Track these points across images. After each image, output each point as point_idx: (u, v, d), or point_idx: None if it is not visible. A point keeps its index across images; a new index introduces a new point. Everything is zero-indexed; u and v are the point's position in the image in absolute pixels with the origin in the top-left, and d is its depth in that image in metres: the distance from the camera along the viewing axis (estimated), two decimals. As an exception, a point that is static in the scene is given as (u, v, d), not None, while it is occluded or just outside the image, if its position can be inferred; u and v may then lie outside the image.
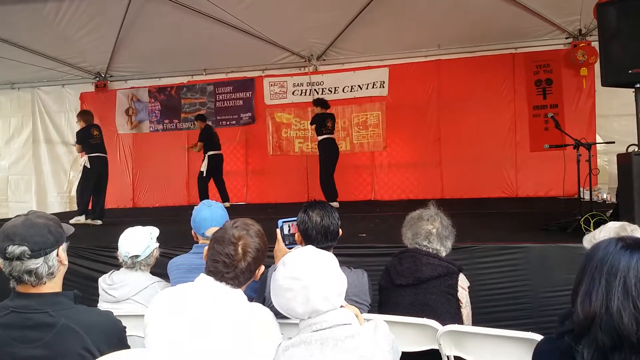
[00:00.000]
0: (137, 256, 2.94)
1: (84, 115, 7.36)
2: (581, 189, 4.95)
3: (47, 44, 8.95)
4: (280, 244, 2.60)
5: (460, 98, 8.81)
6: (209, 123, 9.14)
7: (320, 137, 7.97)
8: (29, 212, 1.92)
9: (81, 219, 7.00)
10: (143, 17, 8.17)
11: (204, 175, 8.49)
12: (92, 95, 10.51)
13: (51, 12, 7.87)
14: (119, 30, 8.48)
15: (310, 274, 1.68)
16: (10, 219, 1.90)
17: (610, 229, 2.19)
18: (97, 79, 10.42)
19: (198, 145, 8.66)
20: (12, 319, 1.77)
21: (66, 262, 1.90)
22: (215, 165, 8.62)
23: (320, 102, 8.11)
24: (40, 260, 1.79)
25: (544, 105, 8.54)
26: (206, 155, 8.53)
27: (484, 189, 8.66)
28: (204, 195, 8.39)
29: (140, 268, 2.98)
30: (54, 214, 2.10)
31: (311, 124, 8.11)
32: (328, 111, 8.06)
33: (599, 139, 7.92)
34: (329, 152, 7.98)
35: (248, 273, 1.89)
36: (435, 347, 2.20)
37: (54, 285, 1.85)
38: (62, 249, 1.89)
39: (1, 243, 1.78)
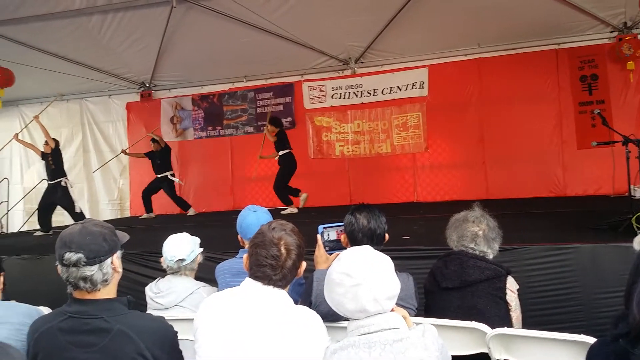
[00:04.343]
0: (182, 260, 2.98)
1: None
2: (632, 186, 4.79)
3: (92, 56, 9.23)
4: (320, 250, 2.61)
5: (502, 96, 8.65)
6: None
7: (282, 152, 8.32)
8: (85, 220, 1.98)
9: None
10: (184, 27, 8.34)
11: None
12: (138, 105, 10.81)
13: (96, 25, 8.13)
14: (161, 40, 8.68)
15: (362, 272, 1.68)
16: (67, 226, 1.97)
17: None
18: (142, 88, 10.69)
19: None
20: (70, 324, 1.84)
21: (120, 270, 1.95)
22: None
23: (277, 122, 8.51)
24: (95, 267, 1.85)
25: (590, 101, 8.29)
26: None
27: (530, 188, 8.45)
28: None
29: (185, 273, 3.02)
30: (108, 221, 2.17)
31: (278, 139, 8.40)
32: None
33: (648, 135, 7.65)
34: (292, 165, 8.37)
35: (294, 270, 1.93)
36: (485, 350, 2.17)
37: (108, 292, 1.91)
38: (117, 257, 1.94)
39: (59, 250, 1.86)
